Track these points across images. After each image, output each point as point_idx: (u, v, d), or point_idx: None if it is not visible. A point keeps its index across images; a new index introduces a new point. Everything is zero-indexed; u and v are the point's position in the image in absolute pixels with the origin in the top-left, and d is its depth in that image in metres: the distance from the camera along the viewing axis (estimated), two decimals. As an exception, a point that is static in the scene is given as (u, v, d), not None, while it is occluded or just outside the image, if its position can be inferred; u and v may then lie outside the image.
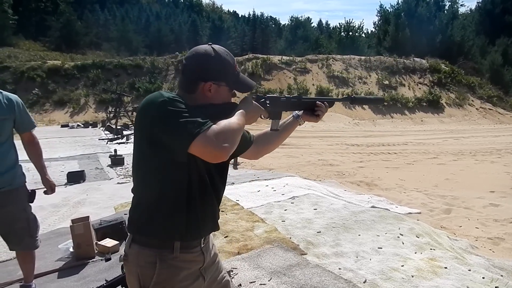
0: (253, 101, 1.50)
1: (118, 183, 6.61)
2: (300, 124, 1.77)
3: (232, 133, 1.27)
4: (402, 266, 3.16)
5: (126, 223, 1.77)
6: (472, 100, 26.29)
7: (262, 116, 1.57)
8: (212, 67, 1.38)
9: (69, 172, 6.89)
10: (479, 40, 38.53)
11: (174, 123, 1.22)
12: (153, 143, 1.29)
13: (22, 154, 2.83)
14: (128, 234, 1.47)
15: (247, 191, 5.75)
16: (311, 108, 1.71)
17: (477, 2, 51.04)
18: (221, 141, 1.22)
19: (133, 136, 1.47)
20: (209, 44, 1.43)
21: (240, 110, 1.40)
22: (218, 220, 1.58)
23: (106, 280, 2.87)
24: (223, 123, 1.27)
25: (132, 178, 1.49)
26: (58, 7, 41.79)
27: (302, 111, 1.73)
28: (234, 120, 1.32)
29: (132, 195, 1.48)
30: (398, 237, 3.80)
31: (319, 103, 1.71)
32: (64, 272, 3.28)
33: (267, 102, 1.58)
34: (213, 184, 1.46)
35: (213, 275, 1.58)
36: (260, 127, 1.72)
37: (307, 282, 2.91)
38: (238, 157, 1.79)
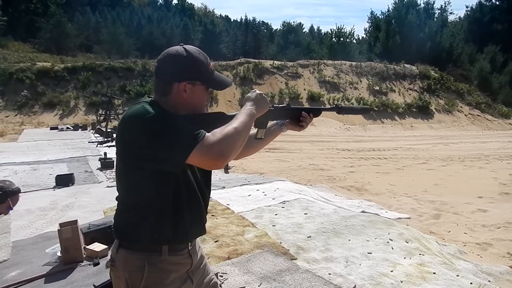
0: (257, 92, 1.49)
1: (108, 186, 6.55)
2: (283, 132, 1.78)
3: (228, 142, 1.25)
4: (392, 271, 3.17)
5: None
6: (461, 107, 26.64)
7: None
8: (184, 67, 1.38)
9: (57, 175, 6.80)
10: (467, 47, 39.09)
11: (168, 140, 1.22)
12: (140, 157, 1.28)
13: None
14: (115, 239, 1.46)
15: (237, 195, 5.74)
16: (297, 117, 1.73)
17: (466, 11, 51.85)
18: (217, 151, 1.22)
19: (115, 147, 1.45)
20: (180, 45, 1.42)
21: (243, 110, 1.39)
22: (208, 225, 1.58)
23: (94, 286, 2.84)
24: (219, 131, 1.26)
25: (116, 183, 1.48)
26: (48, 8, 41.47)
27: (287, 120, 1.74)
28: (232, 125, 1.29)
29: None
30: (388, 242, 3.81)
31: (305, 114, 1.72)
32: (51, 277, 3.23)
33: None
34: (200, 189, 1.46)
35: (201, 277, 1.58)
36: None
37: (297, 287, 2.91)
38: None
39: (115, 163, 1.46)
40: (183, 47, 1.41)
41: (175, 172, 1.28)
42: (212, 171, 1.58)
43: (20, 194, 2.85)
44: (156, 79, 1.42)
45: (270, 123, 1.73)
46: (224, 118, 1.44)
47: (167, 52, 1.41)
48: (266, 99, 1.50)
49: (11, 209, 2.81)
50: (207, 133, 1.24)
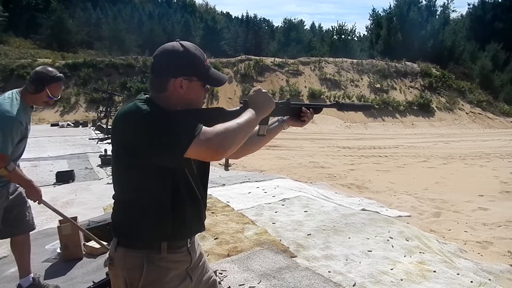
0: (261, 92, 1.48)
1: (108, 183, 6.54)
2: (284, 129, 1.77)
3: (227, 133, 1.27)
4: (392, 269, 3.16)
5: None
6: (462, 105, 26.57)
7: None
8: (181, 62, 1.36)
9: (58, 172, 6.81)
10: (469, 45, 39.03)
11: (165, 135, 1.21)
12: (135, 153, 1.28)
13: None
14: (113, 237, 1.45)
15: (238, 192, 5.73)
16: (297, 113, 1.72)
17: (468, 8, 51.65)
18: (216, 143, 1.24)
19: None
20: (176, 40, 1.41)
21: (247, 109, 1.41)
22: (208, 222, 1.57)
23: (93, 282, 2.84)
24: (220, 124, 1.28)
25: (112, 183, 1.46)
26: (49, 4, 41.46)
27: (288, 116, 1.74)
28: (235, 120, 1.32)
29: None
30: (388, 240, 3.81)
31: (305, 109, 1.71)
32: (51, 273, 3.23)
33: None
34: (197, 185, 1.46)
35: (200, 275, 1.57)
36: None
37: (297, 285, 2.90)
38: (228, 158, 1.78)
39: (111, 163, 1.45)
40: (180, 43, 1.39)
41: (173, 167, 1.26)
42: (210, 168, 1.58)
43: (61, 83, 2.72)
44: (152, 75, 1.40)
45: (271, 120, 1.72)
46: (223, 114, 1.44)
47: (163, 47, 1.39)
48: (270, 99, 1.49)
49: (52, 98, 2.68)
50: (204, 126, 1.24)
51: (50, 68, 2.69)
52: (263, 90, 1.49)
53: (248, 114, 1.37)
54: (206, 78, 1.43)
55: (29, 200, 2.81)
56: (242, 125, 1.32)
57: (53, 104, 22.21)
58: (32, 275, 2.89)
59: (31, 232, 2.94)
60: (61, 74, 2.75)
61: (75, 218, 3.64)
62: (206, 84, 1.44)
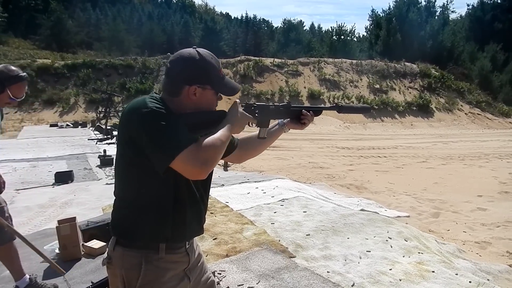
0: (240, 109, 1.48)
1: (107, 183, 6.54)
2: (285, 132, 1.78)
3: (214, 153, 1.27)
4: (390, 269, 3.17)
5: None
6: (461, 105, 26.58)
7: (250, 124, 1.57)
8: (197, 71, 1.37)
9: (57, 172, 6.80)
10: (469, 46, 39.03)
11: (157, 139, 1.22)
12: (137, 150, 1.29)
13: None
14: (112, 236, 1.45)
15: (237, 193, 5.73)
16: (298, 116, 1.73)
17: (468, 9, 51.75)
18: (201, 161, 1.23)
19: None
20: (193, 48, 1.42)
21: (226, 124, 1.39)
22: (207, 222, 1.58)
23: (92, 282, 2.84)
24: (207, 142, 1.27)
25: (114, 180, 1.47)
26: (48, 5, 41.34)
27: (288, 119, 1.74)
28: (218, 137, 1.31)
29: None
30: (387, 240, 3.81)
31: (305, 111, 1.72)
32: (49, 273, 3.23)
33: (256, 110, 1.58)
34: (198, 189, 1.46)
35: (198, 275, 1.58)
36: (250, 130, 1.72)
37: (296, 285, 2.90)
38: (227, 161, 1.79)
39: (114, 159, 1.46)
40: (197, 50, 1.40)
41: (160, 172, 1.27)
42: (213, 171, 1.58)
43: (25, 83, 2.54)
44: (166, 79, 1.41)
45: (272, 123, 1.73)
46: (223, 117, 1.44)
47: (180, 54, 1.40)
48: (245, 121, 1.49)
49: (14, 99, 2.52)
50: (194, 143, 1.24)
51: (12, 67, 2.54)
52: (246, 115, 1.49)
53: (227, 130, 1.36)
54: (220, 87, 1.44)
55: (9, 208, 2.77)
56: (224, 143, 1.32)
57: (52, 105, 22.22)
58: (28, 275, 2.88)
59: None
60: (24, 74, 2.59)
61: (74, 219, 3.64)
62: (219, 93, 1.45)
